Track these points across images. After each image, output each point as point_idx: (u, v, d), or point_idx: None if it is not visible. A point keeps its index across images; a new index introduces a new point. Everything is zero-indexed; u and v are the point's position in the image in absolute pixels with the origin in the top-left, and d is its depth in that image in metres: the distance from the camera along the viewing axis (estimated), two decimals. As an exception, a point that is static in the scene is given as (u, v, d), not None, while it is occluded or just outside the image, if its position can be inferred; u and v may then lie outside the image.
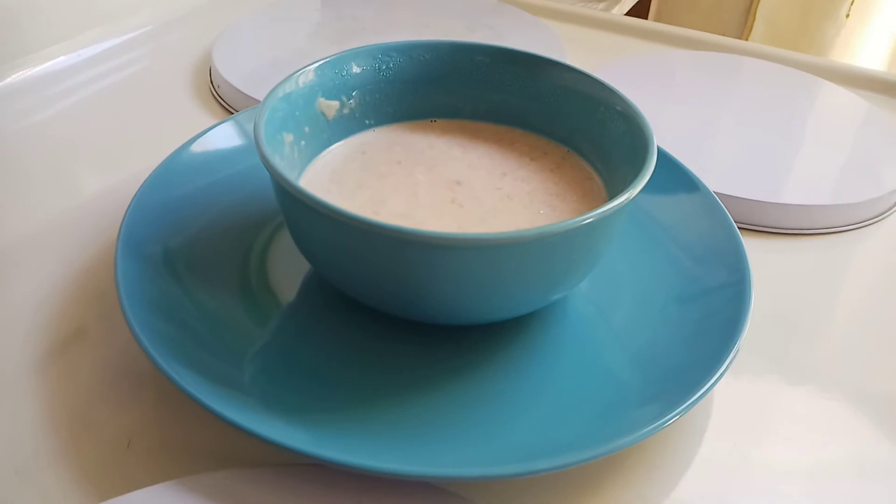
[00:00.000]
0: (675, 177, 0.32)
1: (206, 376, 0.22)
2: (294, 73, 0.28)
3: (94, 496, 0.22)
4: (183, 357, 0.23)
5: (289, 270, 0.28)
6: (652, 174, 0.24)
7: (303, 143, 0.28)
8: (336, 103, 0.29)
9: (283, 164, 0.26)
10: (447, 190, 0.28)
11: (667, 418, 0.22)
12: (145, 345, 0.22)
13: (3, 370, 0.26)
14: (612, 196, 0.27)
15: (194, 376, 0.22)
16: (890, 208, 0.37)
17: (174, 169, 0.30)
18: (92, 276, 0.30)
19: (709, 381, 0.23)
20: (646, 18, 0.88)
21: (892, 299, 0.32)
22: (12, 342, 0.27)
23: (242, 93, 0.40)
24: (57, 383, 0.25)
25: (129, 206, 0.28)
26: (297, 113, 0.28)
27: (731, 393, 0.26)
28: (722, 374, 0.23)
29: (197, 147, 0.31)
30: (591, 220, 0.22)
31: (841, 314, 0.31)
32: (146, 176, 0.30)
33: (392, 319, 0.25)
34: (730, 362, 0.24)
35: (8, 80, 0.41)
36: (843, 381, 0.28)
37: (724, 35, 0.53)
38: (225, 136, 0.32)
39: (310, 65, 0.28)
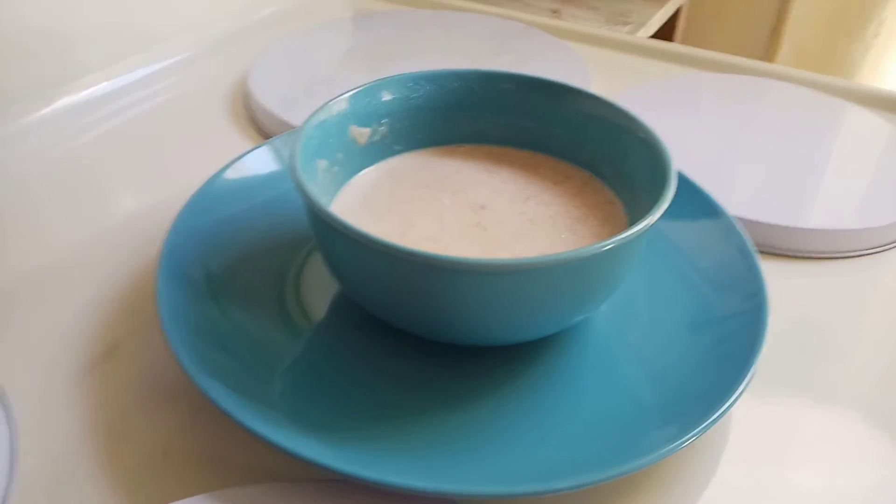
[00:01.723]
0: (695, 202, 0.32)
1: (239, 392, 0.23)
2: (328, 102, 0.29)
3: (132, 506, 0.23)
4: (218, 374, 0.24)
5: (320, 291, 0.29)
6: (673, 199, 0.25)
7: (335, 168, 0.29)
8: (368, 130, 0.31)
9: (317, 190, 0.27)
10: (472, 214, 0.29)
11: (683, 440, 0.23)
12: (182, 360, 0.24)
13: (45, 383, 0.27)
14: (632, 221, 0.28)
15: (229, 393, 0.23)
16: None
17: (212, 193, 0.31)
18: (129, 293, 0.31)
19: (725, 403, 0.24)
20: (672, 39, 0.88)
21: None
22: (54, 355, 0.28)
23: (277, 117, 0.42)
24: (95, 396, 0.27)
25: (169, 229, 0.29)
26: (331, 140, 0.29)
27: (750, 415, 0.27)
28: (738, 397, 0.24)
29: (233, 172, 0.33)
30: (611, 246, 0.23)
31: (864, 338, 0.32)
32: (183, 198, 0.31)
33: (418, 340, 0.26)
34: (745, 385, 0.24)
35: (53, 105, 0.43)
36: (865, 405, 0.28)
37: (751, 55, 0.54)
38: (260, 161, 0.34)
39: (343, 94, 0.29)
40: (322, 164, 0.28)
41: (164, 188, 0.38)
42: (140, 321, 0.30)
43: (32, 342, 0.29)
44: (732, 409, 0.25)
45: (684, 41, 0.93)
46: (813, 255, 0.35)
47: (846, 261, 0.35)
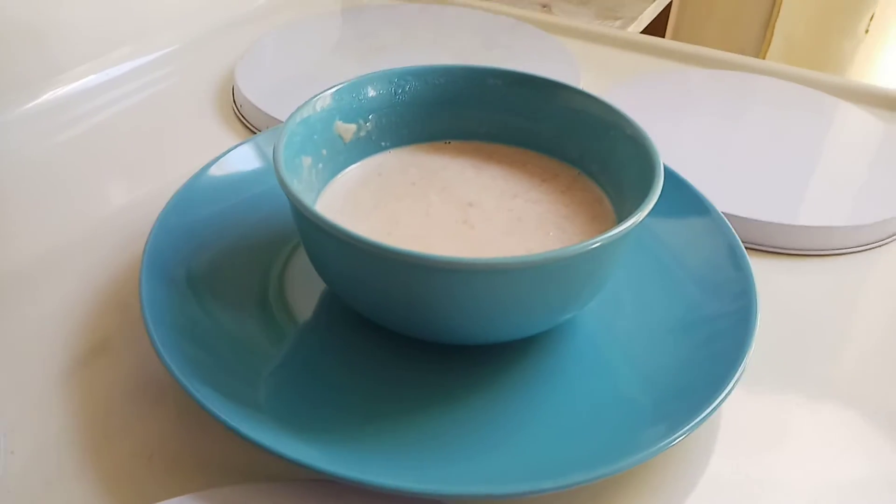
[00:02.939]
0: (685, 198, 0.32)
1: (225, 394, 0.23)
2: (312, 98, 0.28)
3: (117, 507, 0.23)
4: (204, 375, 0.23)
5: (305, 289, 0.29)
6: (661, 196, 0.25)
7: (321, 165, 0.29)
8: (353, 126, 0.30)
9: (301, 187, 0.27)
10: (459, 211, 0.28)
11: (672, 438, 0.22)
12: (168, 363, 0.23)
13: (31, 381, 0.27)
14: (620, 218, 0.27)
15: (214, 394, 0.23)
16: (903, 228, 0.37)
17: (194, 191, 0.31)
18: (115, 289, 0.31)
19: (714, 401, 0.24)
20: (664, 34, 0.88)
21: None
22: (39, 353, 0.28)
23: (263, 111, 0.41)
24: (81, 395, 0.26)
25: (152, 229, 0.29)
26: (316, 136, 0.29)
27: (741, 412, 0.27)
28: (727, 395, 0.24)
29: (216, 169, 0.32)
30: (597, 244, 0.23)
31: (854, 335, 0.32)
32: (170, 192, 0.31)
33: (404, 338, 0.26)
34: (735, 382, 0.24)
35: (40, 98, 0.43)
36: (855, 401, 0.28)
37: (742, 50, 0.54)
38: (244, 158, 0.33)
39: (327, 89, 0.29)
40: (307, 160, 0.28)
41: (151, 182, 0.37)
42: (126, 319, 0.29)
43: (18, 340, 0.28)
44: (723, 405, 0.26)
45: (675, 36, 0.93)
46: (804, 252, 0.35)
47: (837, 258, 0.35)
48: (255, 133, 0.42)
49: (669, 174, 0.32)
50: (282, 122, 0.40)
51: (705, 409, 0.23)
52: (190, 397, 0.23)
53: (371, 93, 0.31)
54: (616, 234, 0.23)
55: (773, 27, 0.92)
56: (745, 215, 0.35)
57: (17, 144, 0.40)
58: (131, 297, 0.30)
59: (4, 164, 0.39)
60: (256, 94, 0.43)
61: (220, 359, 0.25)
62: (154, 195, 0.35)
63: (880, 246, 0.36)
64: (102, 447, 0.25)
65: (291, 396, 0.25)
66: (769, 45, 0.92)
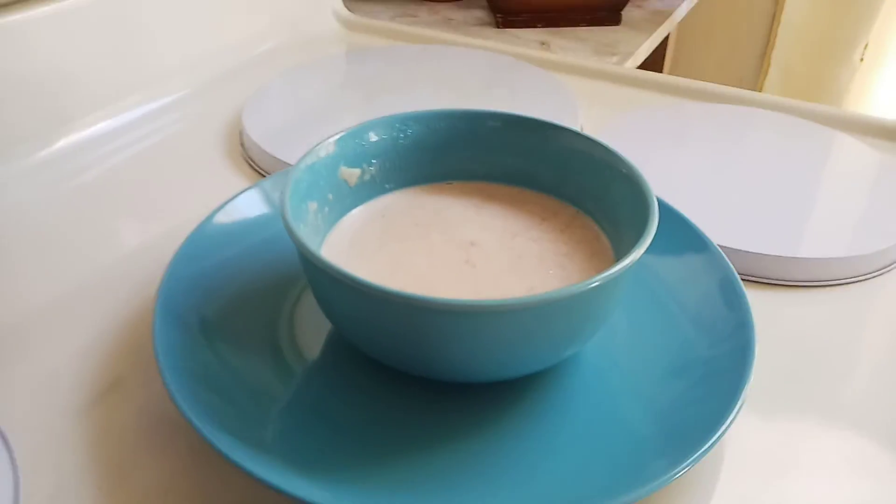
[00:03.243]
0: (682, 233, 0.33)
1: (236, 435, 0.24)
2: (317, 145, 0.29)
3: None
4: (215, 416, 0.24)
5: (313, 331, 0.30)
6: (659, 230, 0.25)
7: (326, 209, 0.30)
8: (357, 171, 0.31)
9: (308, 231, 0.28)
10: (461, 251, 0.29)
11: (676, 471, 0.23)
12: (181, 406, 0.24)
13: (46, 421, 0.27)
14: (619, 256, 0.28)
15: (226, 435, 0.23)
16: (901, 257, 0.38)
17: (203, 238, 0.32)
18: (129, 331, 0.31)
19: (716, 433, 0.24)
20: (661, 67, 0.90)
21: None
22: (53, 395, 0.29)
23: (270, 154, 0.42)
24: (95, 434, 0.27)
25: (164, 275, 0.29)
26: (321, 182, 0.29)
27: (744, 443, 0.27)
28: (728, 427, 0.24)
29: (223, 216, 0.33)
30: (596, 284, 0.23)
31: (856, 363, 0.32)
32: (181, 235, 0.31)
33: (410, 377, 0.27)
34: (736, 414, 0.25)
35: (56, 145, 0.44)
36: (858, 430, 0.28)
37: (739, 81, 0.55)
38: (251, 204, 0.34)
39: (331, 136, 0.30)
40: (313, 205, 0.29)
41: (161, 225, 0.38)
42: (138, 361, 0.30)
43: (33, 381, 0.29)
44: (727, 437, 0.26)
45: (673, 68, 0.95)
46: (803, 283, 0.36)
47: (836, 288, 0.36)
48: (262, 175, 0.43)
49: (666, 208, 0.33)
50: (288, 164, 0.41)
51: (707, 442, 0.24)
52: (202, 438, 0.23)
53: (374, 138, 0.32)
54: (614, 272, 0.23)
55: (770, 58, 0.93)
56: (743, 248, 0.35)
57: (30, 192, 0.41)
58: (143, 339, 0.31)
59: (19, 211, 0.40)
60: (263, 137, 0.44)
61: (230, 401, 0.26)
62: (165, 238, 0.36)
63: (878, 276, 0.37)
64: (117, 488, 0.25)
65: (300, 436, 0.25)
66: (766, 76, 0.93)
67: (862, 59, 0.91)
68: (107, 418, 0.28)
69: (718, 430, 0.24)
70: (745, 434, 0.27)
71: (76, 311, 0.33)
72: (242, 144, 0.46)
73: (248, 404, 0.26)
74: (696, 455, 0.23)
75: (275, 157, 0.42)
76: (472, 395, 0.27)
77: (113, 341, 0.31)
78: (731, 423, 0.24)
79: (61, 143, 0.45)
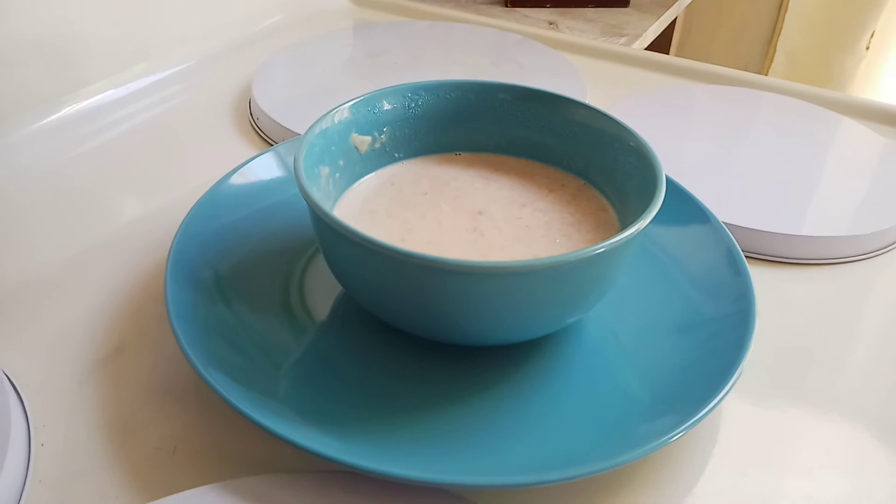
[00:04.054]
0: (686, 208, 0.33)
1: (247, 388, 0.24)
2: (330, 111, 0.30)
3: (143, 497, 0.24)
4: (224, 368, 0.25)
5: (323, 292, 0.30)
6: (664, 205, 0.26)
7: (337, 175, 0.30)
8: (368, 138, 0.32)
9: (320, 196, 0.28)
10: (470, 219, 0.30)
11: (672, 435, 0.23)
12: (191, 357, 0.25)
13: (59, 379, 0.28)
14: (624, 227, 0.29)
15: (236, 388, 0.24)
16: (901, 238, 0.38)
17: (219, 196, 0.32)
18: (137, 294, 0.32)
19: (713, 400, 0.25)
20: (668, 50, 0.90)
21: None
22: (66, 353, 0.29)
23: (279, 124, 0.43)
24: (107, 391, 0.28)
25: (177, 232, 0.30)
26: (333, 148, 0.30)
27: (740, 417, 0.28)
28: (725, 395, 0.25)
29: (238, 177, 0.34)
30: (602, 250, 0.24)
31: (853, 342, 0.32)
32: (188, 203, 0.32)
33: (418, 339, 0.27)
34: (733, 383, 0.25)
35: (62, 112, 0.45)
36: (855, 409, 0.29)
37: (745, 66, 0.55)
38: (265, 167, 0.35)
39: (344, 103, 0.31)
40: (325, 170, 0.29)
41: (169, 193, 0.39)
42: (149, 321, 0.31)
43: (45, 339, 0.30)
44: (723, 410, 0.26)
45: (680, 52, 0.95)
46: (806, 261, 0.36)
47: (838, 266, 0.36)
48: (271, 144, 0.43)
49: (672, 185, 0.34)
50: (297, 133, 0.41)
51: (704, 408, 0.24)
52: (213, 392, 0.24)
53: (386, 106, 0.32)
54: (618, 241, 0.24)
55: (776, 44, 0.93)
56: (747, 225, 0.36)
57: (39, 156, 0.42)
58: (153, 300, 0.31)
59: (28, 175, 0.40)
60: (273, 106, 0.44)
61: (240, 354, 0.26)
62: (172, 205, 0.37)
63: (880, 255, 0.37)
64: (128, 441, 0.26)
65: (311, 392, 0.26)
66: (772, 61, 0.93)
67: (868, 48, 0.91)
68: (118, 375, 0.28)
69: (714, 398, 0.25)
70: (741, 409, 0.28)
71: (88, 272, 0.33)
72: (251, 114, 0.46)
73: (259, 359, 0.27)
74: (691, 421, 0.24)
75: (284, 127, 0.43)
76: (479, 358, 0.28)
77: (124, 301, 0.32)
78: (727, 392, 0.25)
79: (68, 109, 0.45)
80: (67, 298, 0.32)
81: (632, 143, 0.29)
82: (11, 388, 0.27)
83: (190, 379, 0.28)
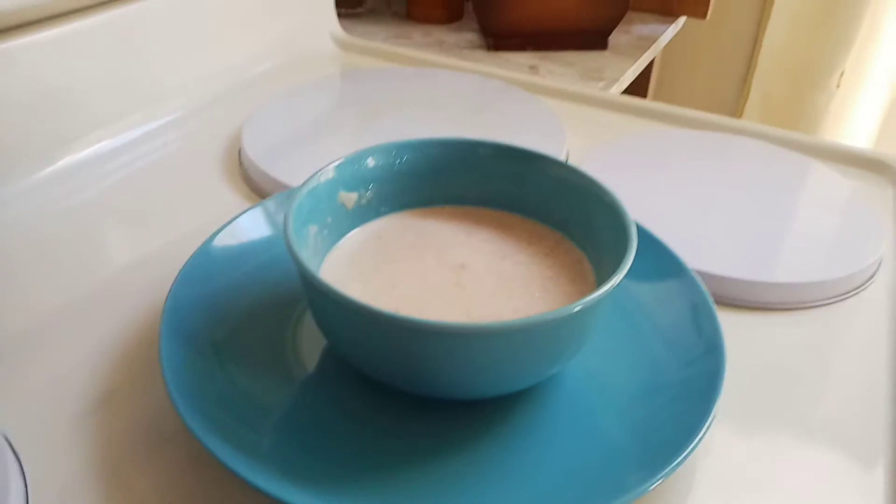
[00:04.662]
0: (660, 259, 0.35)
1: (233, 443, 0.25)
2: (318, 171, 0.31)
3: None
4: (214, 426, 0.26)
5: (310, 349, 0.31)
6: (637, 255, 0.27)
7: (325, 232, 0.32)
8: (355, 195, 0.33)
9: (308, 254, 0.30)
10: (452, 273, 0.31)
11: (652, 482, 0.25)
12: (184, 415, 0.26)
13: (49, 428, 0.29)
14: (600, 279, 0.30)
15: (225, 444, 0.25)
16: (868, 280, 0.40)
17: (209, 257, 0.33)
18: (129, 341, 0.33)
19: (688, 447, 0.26)
20: (646, 90, 0.92)
21: (876, 366, 0.34)
22: (55, 402, 0.30)
23: (268, 175, 0.44)
24: (98, 439, 0.28)
25: (168, 294, 0.31)
26: (321, 206, 0.31)
27: (715, 461, 0.29)
28: (700, 440, 0.26)
29: (225, 236, 0.34)
30: (578, 308, 0.25)
31: (828, 382, 0.34)
32: (179, 252, 0.33)
33: (404, 394, 0.28)
34: (707, 429, 0.27)
35: (58, 164, 0.46)
36: (829, 450, 0.30)
37: (721, 104, 0.57)
38: (252, 224, 0.36)
39: (332, 162, 0.32)
40: (313, 229, 0.31)
41: (161, 241, 0.40)
42: (140, 369, 0.31)
43: (37, 388, 0.31)
44: (700, 455, 0.28)
45: (657, 92, 0.97)
46: (776, 306, 0.38)
47: (808, 311, 0.38)
48: (260, 194, 0.45)
49: (645, 234, 0.35)
50: (285, 184, 0.43)
51: (679, 456, 0.26)
52: (202, 446, 0.25)
53: (371, 163, 0.33)
54: (594, 298, 0.25)
55: (751, 83, 0.96)
56: (719, 273, 0.37)
57: (33, 209, 0.42)
58: (143, 350, 0.32)
59: (22, 226, 0.41)
60: (261, 157, 0.45)
61: (229, 412, 0.27)
62: (165, 254, 0.38)
63: (849, 297, 0.39)
64: (117, 492, 0.27)
65: (296, 448, 0.27)
66: (746, 100, 0.96)
67: (838, 86, 0.94)
68: (108, 425, 0.29)
69: (690, 444, 0.26)
70: (718, 451, 0.29)
71: (78, 322, 0.34)
72: (241, 163, 0.47)
73: (247, 416, 0.28)
74: (668, 468, 0.25)
75: (272, 178, 0.44)
76: (461, 411, 0.29)
77: (114, 351, 0.32)
78: (701, 437, 0.26)
79: (63, 161, 0.46)
80: (58, 348, 0.33)
81: (605, 200, 0.31)
82: (9, 448, 0.28)
83: (179, 431, 0.28)
